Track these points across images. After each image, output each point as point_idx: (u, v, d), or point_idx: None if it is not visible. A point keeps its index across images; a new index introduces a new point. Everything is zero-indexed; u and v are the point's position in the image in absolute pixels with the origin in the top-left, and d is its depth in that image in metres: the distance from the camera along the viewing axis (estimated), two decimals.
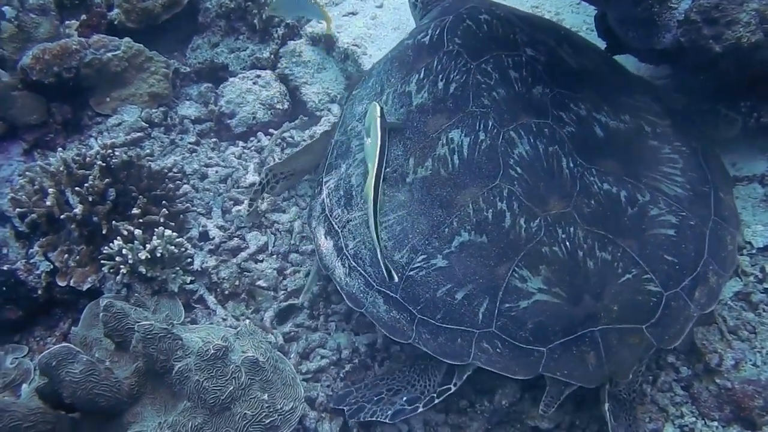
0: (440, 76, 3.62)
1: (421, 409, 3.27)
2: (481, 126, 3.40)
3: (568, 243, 3.12)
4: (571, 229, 3.15)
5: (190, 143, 5.30)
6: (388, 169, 3.49)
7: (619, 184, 3.30)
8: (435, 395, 3.28)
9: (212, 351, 3.08)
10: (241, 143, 5.32)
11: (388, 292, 3.31)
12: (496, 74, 3.52)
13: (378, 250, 3.25)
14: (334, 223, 3.61)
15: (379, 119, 3.46)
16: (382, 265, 3.23)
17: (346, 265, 3.47)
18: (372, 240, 3.29)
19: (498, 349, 3.07)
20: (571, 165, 3.30)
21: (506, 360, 3.06)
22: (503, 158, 3.30)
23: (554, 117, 3.42)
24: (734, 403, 3.33)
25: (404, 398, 3.34)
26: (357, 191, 3.58)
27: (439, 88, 3.59)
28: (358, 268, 3.42)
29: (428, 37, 3.81)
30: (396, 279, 3.23)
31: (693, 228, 3.29)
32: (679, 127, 3.68)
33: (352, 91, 4.15)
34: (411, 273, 3.26)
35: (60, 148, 4.80)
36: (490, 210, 3.22)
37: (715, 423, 3.35)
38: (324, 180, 3.80)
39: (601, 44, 4.23)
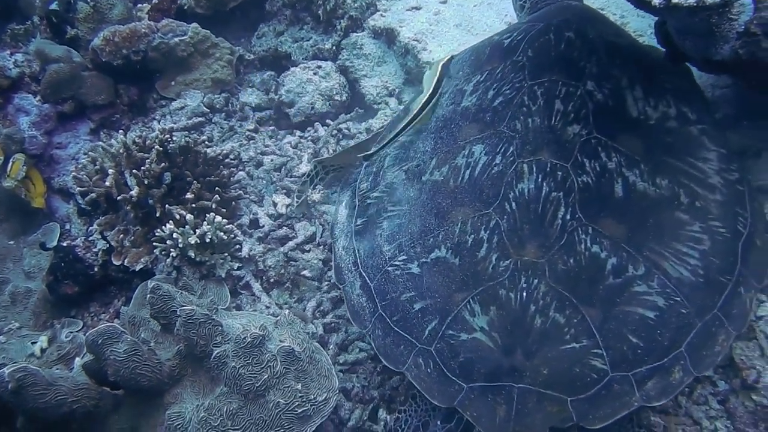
0: (495, 85, 3.56)
1: None
2: (502, 149, 3.32)
3: (525, 293, 3.01)
4: (535, 281, 3.02)
5: (248, 130, 5.40)
6: (412, 162, 3.55)
7: (612, 250, 3.09)
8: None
9: (249, 339, 3.17)
10: (298, 132, 5.41)
11: (366, 278, 3.38)
12: (542, 100, 3.39)
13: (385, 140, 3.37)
14: (357, 194, 3.69)
15: (440, 70, 3.46)
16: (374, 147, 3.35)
17: (348, 239, 3.56)
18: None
19: (429, 369, 3.09)
20: (567, 217, 3.12)
21: (431, 382, 3.07)
22: (505, 189, 3.21)
23: (576, 162, 3.23)
24: None
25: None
26: (384, 172, 3.65)
27: (488, 97, 3.53)
28: (354, 245, 3.51)
29: (509, 39, 3.73)
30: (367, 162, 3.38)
31: (681, 317, 3.06)
32: (731, 204, 3.38)
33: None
34: (389, 268, 3.31)
35: (121, 130, 4.95)
36: (472, 236, 3.18)
37: None
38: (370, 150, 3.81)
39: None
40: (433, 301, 3.15)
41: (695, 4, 2.68)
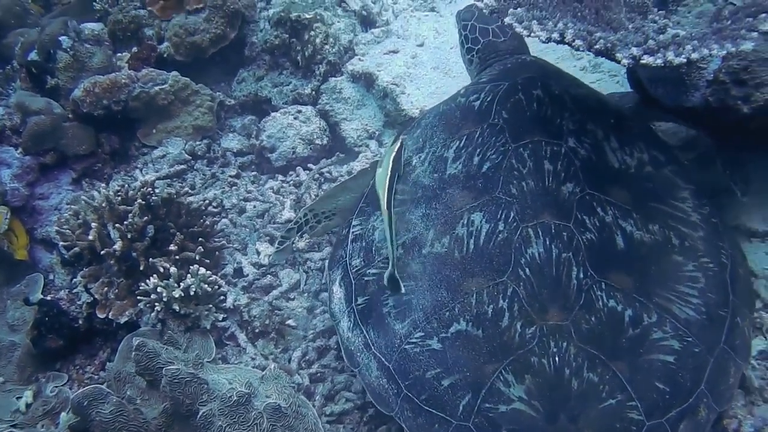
0: (478, 150, 3.57)
1: None
2: (503, 216, 3.33)
3: (557, 358, 3.02)
4: (564, 344, 3.04)
5: (230, 176, 5.43)
6: (408, 235, 3.52)
7: (627, 302, 3.16)
8: None
9: (235, 398, 3.19)
10: (280, 177, 5.45)
11: (382, 359, 3.33)
12: (530, 162, 3.42)
13: (391, 264, 3.24)
14: (350, 271, 3.66)
15: (394, 154, 3.52)
16: (388, 274, 3.23)
17: (352, 320, 3.52)
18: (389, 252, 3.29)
19: None
20: (581, 276, 3.16)
21: None
22: (515, 255, 3.23)
23: (577, 221, 3.28)
24: None
25: None
26: (377, 247, 3.62)
27: (474, 164, 3.54)
28: (361, 326, 3.46)
29: (479, 101, 3.75)
30: (403, 290, 3.25)
31: (696, 356, 3.14)
32: (712, 239, 3.50)
33: (398, 135, 4.13)
34: (406, 347, 3.27)
35: (102, 185, 4.97)
36: (491, 305, 3.17)
37: None
38: (352, 224, 3.85)
39: None
40: (462, 376, 3.11)
41: (663, 65, 2.76)
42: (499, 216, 3.34)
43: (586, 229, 3.27)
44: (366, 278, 3.58)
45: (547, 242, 3.22)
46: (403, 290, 3.26)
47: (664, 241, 3.37)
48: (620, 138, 3.64)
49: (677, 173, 3.70)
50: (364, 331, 3.45)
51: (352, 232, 3.81)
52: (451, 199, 3.52)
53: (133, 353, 3.41)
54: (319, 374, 4.03)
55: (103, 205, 4.31)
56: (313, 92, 5.91)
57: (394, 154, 3.63)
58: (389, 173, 3.55)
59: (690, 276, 3.32)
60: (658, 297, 3.21)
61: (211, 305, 4.18)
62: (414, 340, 3.27)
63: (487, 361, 3.09)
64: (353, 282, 3.62)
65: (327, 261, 4.22)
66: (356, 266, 3.65)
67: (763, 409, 3.42)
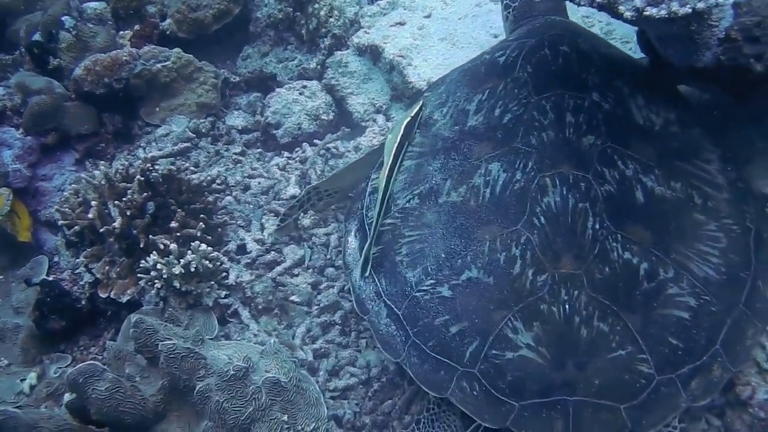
0: (500, 103, 3.54)
1: None
2: (521, 165, 3.30)
3: (567, 306, 3.01)
4: (576, 292, 3.02)
5: (235, 154, 5.33)
6: (425, 185, 3.50)
7: (643, 256, 3.12)
8: None
9: (232, 372, 3.12)
10: (286, 153, 5.34)
11: (393, 306, 3.32)
12: (552, 114, 3.39)
13: (369, 241, 3.37)
14: (366, 222, 3.65)
15: (408, 119, 3.60)
16: (363, 256, 3.36)
17: (368, 270, 3.50)
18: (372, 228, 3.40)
19: (475, 392, 3.05)
20: (597, 226, 3.13)
21: (479, 404, 3.04)
22: (531, 204, 3.19)
23: (596, 172, 3.24)
24: None
25: None
26: (393, 198, 3.59)
27: (495, 115, 3.52)
28: (373, 275, 3.44)
29: (504, 57, 3.74)
30: (366, 274, 3.37)
31: (713, 315, 3.09)
32: (737, 202, 3.43)
33: (423, 92, 4.13)
34: (417, 294, 3.25)
35: (102, 162, 4.90)
36: (504, 253, 3.15)
37: None
38: (371, 177, 3.84)
39: None
40: (470, 323, 3.11)
41: (667, 16, 2.62)
42: (517, 165, 3.32)
43: (605, 181, 3.23)
44: (381, 228, 3.53)
45: (564, 192, 3.19)
46: (367, 273, 3.40)
47: (686, 200, 3.32)
48: (647, 96, 3.58)
49: (704, 136, 3.63)
50: (376, 280, 3.43)
51: (370, 185, 3.80)
52: (470, 149, 3.50)
53: (131, 330, 3.36)
54: (323, 350, 3.96)
55: (103, 182, 4.25)
56: (319, 67, 5.79)
57: (408, 119, 3.62)
58: (398, 140, 3.57)
59: (711, 236, 3.27)
60: (677, 253, 3.17)
61: (213, 282, 4.10)
62: (425, 288, 3.25)
63: (497, 309, 3.08)
64: (368, 232, 3.58)
65: (344, 215, 4.17)
66: (372, 217, 3.61)
67: None
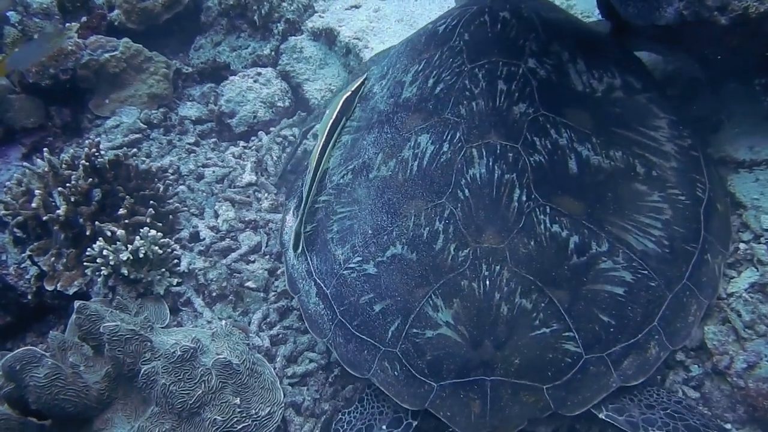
0: (434, 72, 3.45)
1: None
2: (449, 136, 3.19)
3: (488, 282, 2.88)
4: (497, 267, 2.89)
5: (188, 144, 5.17)
6: (358, 161, 3.39)
7: (573, 228, 2.98)
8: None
9: (179, 353, 2.95)
10: (242, 143, 5.19)
11: (322, 285, 3.24)
12: (484, 82, 3.27)
13: (299, 218, 3.34)
14: (303, 201, 3.55)
15: (348, 94, 3.56)
16: (293, 232, 3.33)
17: (300, 247, 3.44)
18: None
19: (396, 372, 2.96)
20: (524, 198, 3.00)
21: (400, 385, 2.95)
22: (456, 176, 3.08)
23: (526, 142, 3.11)
24: (748, 403, 3.06)
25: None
26: (329, 174, 3.51)
27: (428, 86, 3.41)
28: (306, 253, 3.36)
29: (444, 26, 3.63)
30: (299, 250, 3.35)
31: (651, 290, 2.96)
32: (688, 171, 3.31)
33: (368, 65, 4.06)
34: (344, 272, 3.17)
35: (45, 150, 4.72)
36: (427, 228, 3.05)
37: (729, 425, 3.09)
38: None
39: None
40: (393, 301, 3.00)
41: None
42: (445, 137, 3.21)
43: (536, 151, 3.11)
44: (316, 205, 3.45)
45: (491, 163, 3.07)
46: (299, 250, 3.36)
47: (626, 169, 3.18)
48: (589, 61, 3.45)
49: (654, 101, 3.50)
50: (308, 258, 3.35)
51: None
52: (402, 122, 3.39)
53: (74, 316, 3.19)
54: (281, 335, 3.81)
55: (47, 170, 4.06)
56: (273, 53, 5.69)
57: (348, 94, 3.54)
58: (334, 116, 3.48)
59: (654, 207, 3.13)
60: (613, 226, 3.03)
61: (164, 270, 3.92)
62: (351, 265, 3.16)
63: (419, 285, 2.98)
64: (304, 213, 3.48)
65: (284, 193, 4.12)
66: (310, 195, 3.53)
67: (756, 343, 3.18)
